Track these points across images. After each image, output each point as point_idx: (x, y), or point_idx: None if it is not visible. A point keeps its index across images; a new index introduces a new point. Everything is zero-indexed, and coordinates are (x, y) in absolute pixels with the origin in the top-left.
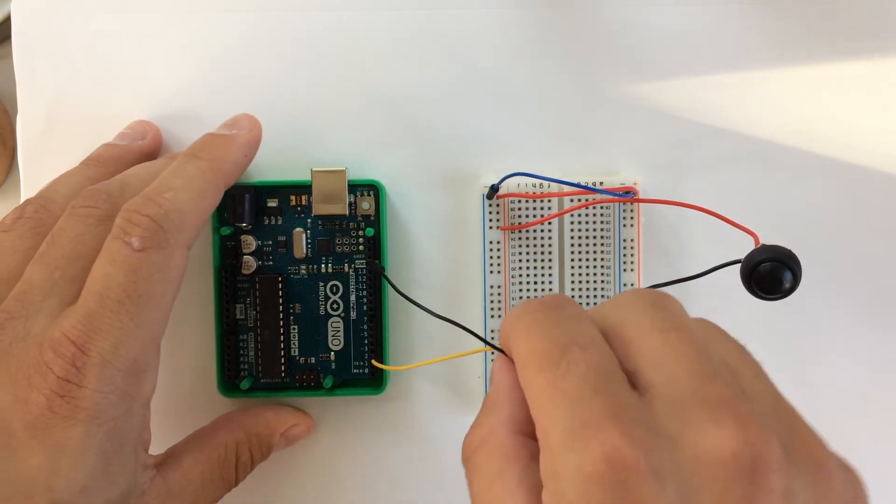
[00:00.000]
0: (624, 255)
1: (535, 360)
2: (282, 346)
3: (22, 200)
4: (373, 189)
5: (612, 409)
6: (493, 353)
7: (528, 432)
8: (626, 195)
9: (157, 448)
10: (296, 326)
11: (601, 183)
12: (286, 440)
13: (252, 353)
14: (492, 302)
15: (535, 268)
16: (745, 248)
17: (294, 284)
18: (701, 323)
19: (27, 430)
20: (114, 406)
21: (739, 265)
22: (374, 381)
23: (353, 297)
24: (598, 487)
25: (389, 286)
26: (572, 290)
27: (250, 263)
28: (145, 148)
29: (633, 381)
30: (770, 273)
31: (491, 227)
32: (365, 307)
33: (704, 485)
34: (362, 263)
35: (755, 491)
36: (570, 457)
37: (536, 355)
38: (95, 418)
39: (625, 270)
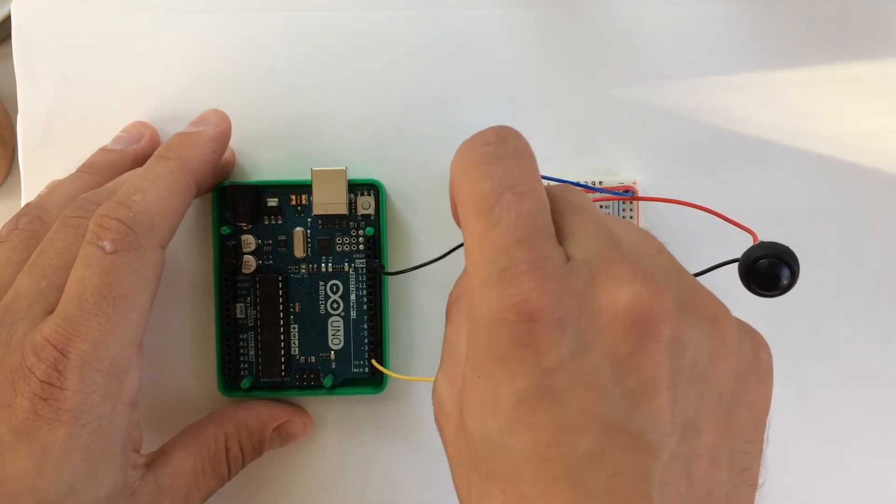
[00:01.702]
0: None
1: (472, 202)
2: (282, 345)
3: (22, 200)
4: (373, 189)
5: (531, 262)
6: None
7: None
8: (626, 194)
9: (156, 447)
10: (296, 326)
11: (601, 182)
12: (281, 438)
13: (252, 353)
14: None
15: None
16: (744, 247)
17: (294, 284)
18: (612, 217)
19: (13, 433)
20: (96, 406)
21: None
22: (374, 381)
23: (353, 297)
24: (505, 331)
25: (392, 276)
26: None
27: (250, 263)
28: (140, 151)
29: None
30: (768, 269)
31: None
32: (365, 306)
33: (600, 335)
34: (362, 263)
35: (645, 341)
36: (485, 302)
37: (474, 198)
38: (78, 419)
39: None
